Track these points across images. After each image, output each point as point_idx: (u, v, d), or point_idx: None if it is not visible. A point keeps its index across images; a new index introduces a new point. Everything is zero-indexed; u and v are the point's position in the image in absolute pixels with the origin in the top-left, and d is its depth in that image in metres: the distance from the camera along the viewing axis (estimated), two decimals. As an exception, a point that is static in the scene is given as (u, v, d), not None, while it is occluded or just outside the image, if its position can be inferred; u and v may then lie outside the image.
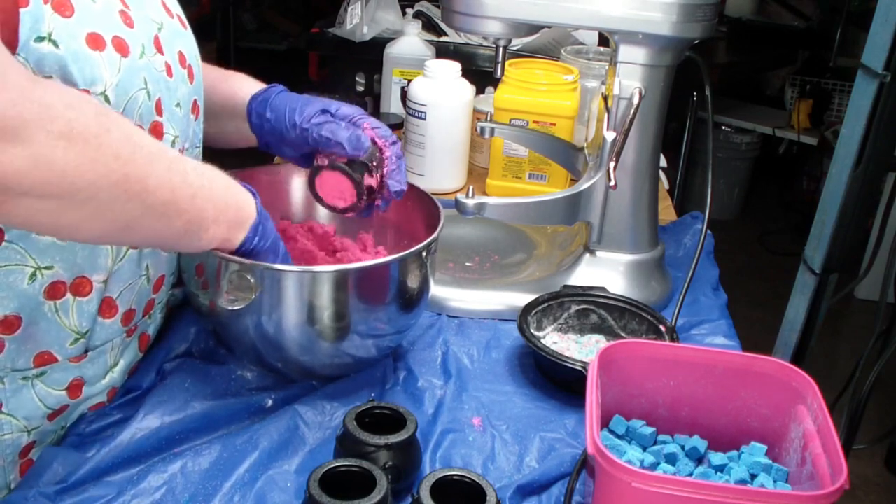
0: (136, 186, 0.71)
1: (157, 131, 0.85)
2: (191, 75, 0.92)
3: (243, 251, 0.85)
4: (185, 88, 0.90)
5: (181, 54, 0.90)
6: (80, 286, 0.84)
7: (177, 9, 0.93)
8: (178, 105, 0.88)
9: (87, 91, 0.75)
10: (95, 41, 0.76)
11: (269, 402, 0.95)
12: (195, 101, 0.93)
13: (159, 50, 0.85)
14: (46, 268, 0.81)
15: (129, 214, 0.72)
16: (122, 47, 0.79)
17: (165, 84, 0.86)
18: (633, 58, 1.10)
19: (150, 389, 0.94)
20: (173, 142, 0.87)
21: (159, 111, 0.85)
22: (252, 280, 0.86)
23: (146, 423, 0.88)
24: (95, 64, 0.75)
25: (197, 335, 1.02)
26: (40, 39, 0.71)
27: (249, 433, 0.89)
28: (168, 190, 0.74)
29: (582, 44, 1.82)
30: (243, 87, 1.03)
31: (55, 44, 0.72)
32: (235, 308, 0.88)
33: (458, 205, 1.11)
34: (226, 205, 0.82)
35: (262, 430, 0.89)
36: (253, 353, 0.95)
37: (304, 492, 0.75)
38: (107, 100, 0.77)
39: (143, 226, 0.75)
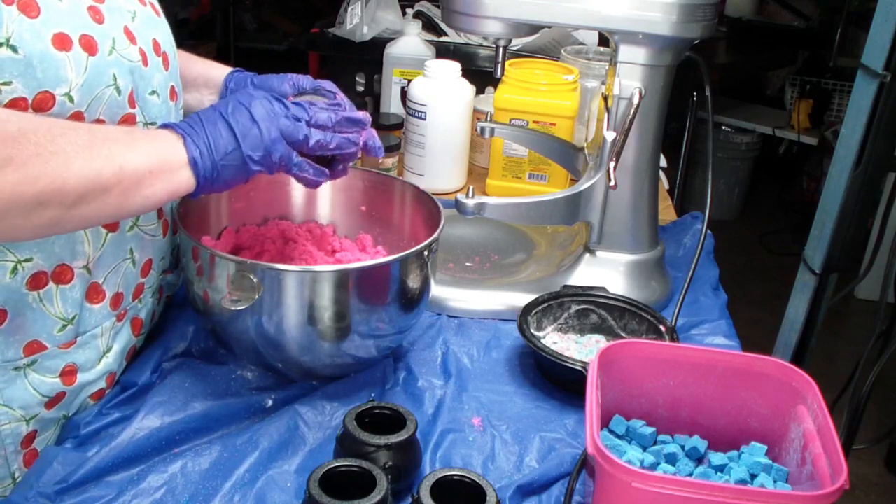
0: (50, 195, 0.72)
1: (129, 123, 0.85)
2: (166, 62, 0.93)
3: (208, 178, 0.83)
4: (160, 76, 0.91)
5: (155, 42, 0.91)
6: (61, 274, 0.85)
7: None
8: (153, 93, 0.89)
9: (49, 93, 0.76)
10: (62, 41, 0.76)
11: (269, 402, 0.95)
12: (172, 87, 0.94)
13: (131, 40, 0.86)
14: (26, 260, 0.82)
15: (52, 216, 0.74)
16: (89, 45, 0.79)
17: (140, 74, 0.87)
18: (633, 58, 1.10)
19: (146, 387, 0.95)
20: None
21: (132, 103, 0.85)
22: (255, 280, 0.86)
23: (146, 423, 0.88)
24: (61, 65, 0.76)
25: (196, 334, 1.02)
26: None
27: (249, 433, 0.89)
28: (93, 176, 0.75)
29: (582, 44, 1.82)
30: (216, 64, 1.06)
31: (14, 49, 0.73)
32: (238, 308, 0.87)
33: (458, 205, 1.11)
34: (156, 154, 0.80)
35: (262, 430, 0.89)
36: (253, 353, 0.95)
37: (304, 492, 0.75)
38: (70, 100, 0.78)
39: (74, 216, 0.76)
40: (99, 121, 0.82)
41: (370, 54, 1.84)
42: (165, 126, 0.85)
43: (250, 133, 0.84)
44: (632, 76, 1.11)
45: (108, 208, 0.78)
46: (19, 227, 0.73)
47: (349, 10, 1.91)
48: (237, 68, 1.06)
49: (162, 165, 0.80)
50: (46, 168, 0.71)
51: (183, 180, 0.82)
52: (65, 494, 0.80)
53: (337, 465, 0.78)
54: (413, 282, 0.95)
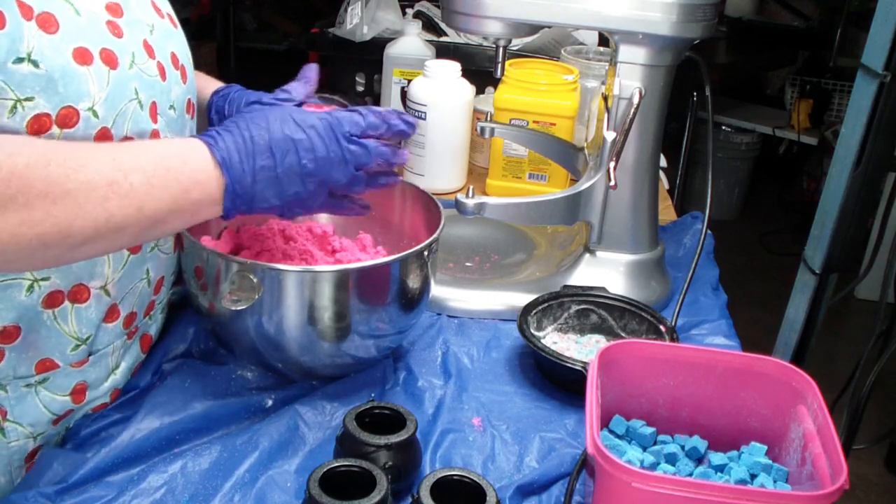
0: (54, 238, 0.70)
1: (154, 138, 0.84)
2: (184, 75, 0.91)
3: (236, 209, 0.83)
4: (178, 89, 0.90)
5: (174, 55, 0.89)
6: (77, 294, 0.83)
7: (167, 7, 0.92)
8: (171, 107, 0.88)
9: (73, 108, 0.74)
10: (83, 56, 0.75)
11: (269, 402, 0.95)
12: (189, 101, 0.93)
13: (150, 54, 0.84)
14: (43, 279, 0.81)
15: (54, 254, 0.72)
16: (110, 59, 0.78)
17: (160, 88, 0.85)
18: (633, 58, 1.10)
19: (147, 389, 0.94)
20: None
21: (154, 117, 0.84)
22: (255, 280, 0.86)
23: (146, 423, 0.88)
24: (83, 79, 0.75)
25: (196, 335, 1.02)
26: (19, 60, 0.71)
27: (249, 433, 0.89)
28: (105, 219, 0.72)
29: (582, 44, 1.82)
30: (207, 84, 1.03)
31: (35, 63, 0.72)
32: (238, 308, 0.87)
33: (458, 205, 1.11)
34: (184, 193, 0.78)
35: (262, 430, 0.89)
36: (253, 353, 0.95)
37: (304, 492, 0.75)
38: (95, 115, 0.76)
39: (80, 254, 0.75)
40: (127, 138, 0.80)
41: (370, 54, 1.84)
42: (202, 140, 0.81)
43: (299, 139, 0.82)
44: (632, 76, 1.11)
45: (119, 245, 0.77)
46: (15, 263, 0.72)
47: (349, 10, 1.91)
48: (230, 84, 1.03)
49: (185, 205, 0.78)
50: (53, 209, 0.69)
51: (210, 214, 0.81)
52: (65, 494, 0.80)
53: (337, 465, 0.78)
54: (413, 282, 0.95)
